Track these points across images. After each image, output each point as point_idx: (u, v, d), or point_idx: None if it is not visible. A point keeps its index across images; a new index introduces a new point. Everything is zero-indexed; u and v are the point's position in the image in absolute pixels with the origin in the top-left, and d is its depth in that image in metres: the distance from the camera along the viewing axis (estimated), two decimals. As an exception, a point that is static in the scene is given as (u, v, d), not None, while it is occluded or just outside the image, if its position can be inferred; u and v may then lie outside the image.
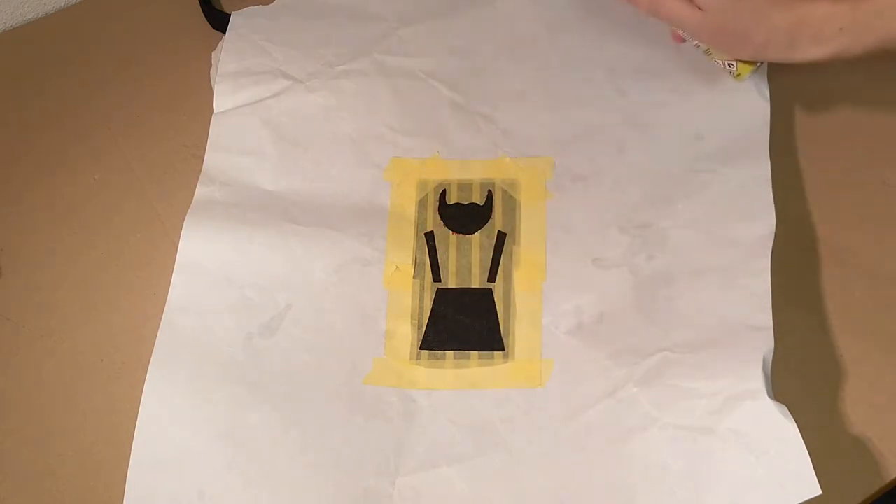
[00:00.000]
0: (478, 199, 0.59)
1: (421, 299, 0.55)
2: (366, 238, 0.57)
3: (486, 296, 0.55)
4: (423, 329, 0.54)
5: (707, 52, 0.57)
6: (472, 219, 0.58)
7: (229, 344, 0.54)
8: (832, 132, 0.61)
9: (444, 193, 0.59)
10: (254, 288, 0.55)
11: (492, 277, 0.56)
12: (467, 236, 0.57)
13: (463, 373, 0.53)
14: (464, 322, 0.55)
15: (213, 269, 0.56)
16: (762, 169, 0.56)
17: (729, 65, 0.57)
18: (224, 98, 0.63)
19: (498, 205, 0.58)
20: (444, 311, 0.55)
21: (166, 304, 0.55)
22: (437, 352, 0.54)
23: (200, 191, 0.59)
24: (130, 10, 0.72)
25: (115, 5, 0.72)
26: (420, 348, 0.54)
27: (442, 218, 0.58)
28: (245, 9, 0.68)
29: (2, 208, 0.62)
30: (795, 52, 0.50)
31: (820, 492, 0.43)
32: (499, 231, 0.57)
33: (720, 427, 0.47)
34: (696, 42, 0.57)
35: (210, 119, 0.63)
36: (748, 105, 0.59)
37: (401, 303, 0.55)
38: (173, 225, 0.59)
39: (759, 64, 0.57)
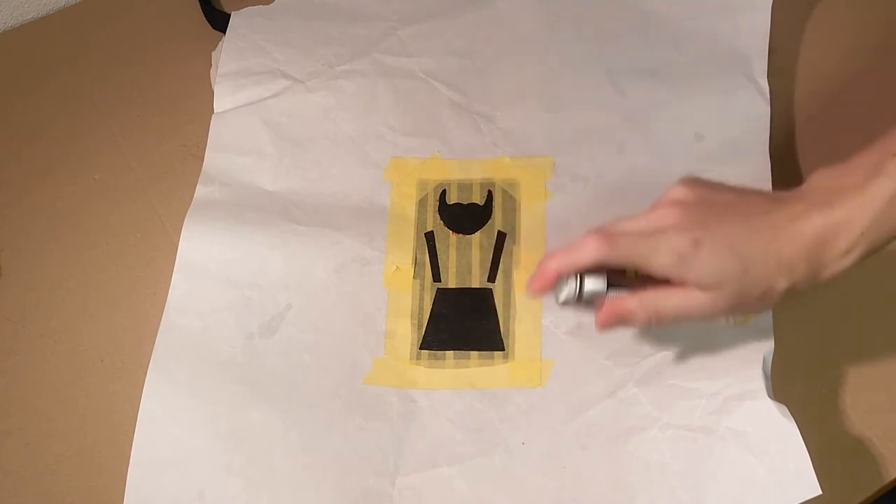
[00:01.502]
0: (478, 199, 0.59)
1: (421, 299, 0.55)
2: (366, 238, 0.57)
3: (486, 296, 0.55)
4: (423, 329, 0.54)
5: (725, 319, 0.50)
6: (472, 219, 0.58)
7: (229, 344, 0.54)
8: (832, 132, 0.61)
9: (444, 193, 0.59)
10: (254, 288, 0.55)
11: (492, 277, 0.56)
12: (467, 236, 0.57)
13: (463, 373, 0.53)
14: (464, 322, 0.55)
15: (213, 269, 0.56)
16: (762, 169, 0.56)
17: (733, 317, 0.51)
18: (224, 98, 0.63)
19: (498, 205, 0.58)
20: (444, 311, 0.55)
21: (166, 304, 0.55)
22: (437, 352, 0.54)
23: (200, 191, 0.59)
24: (130, 10, 0.72)
25: (115, 5, 0.72)
26: (420, 348, 0.54)
27: (442, 218, 0.58)
28: (245, 9, 0.68)
29: (2, 208, 0.62)
30: (823, 277, 0.42)
31: (820, 492, 0.43)
32: (499, 231, 0.57)
33: (720, 427, 0.47)
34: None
35: (210, 119, 0.63)
36: (748, 105, 0.59)
37: (401, 303, 0.55)
38: (173, 225, 0.59)
39: None
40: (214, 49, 0.67)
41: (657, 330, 0.52)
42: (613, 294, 0.45)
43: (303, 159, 0.61)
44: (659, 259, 0.42)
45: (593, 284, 0.44)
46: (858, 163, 0.42)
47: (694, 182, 0.45)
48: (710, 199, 0.43)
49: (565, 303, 0.45)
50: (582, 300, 0.45)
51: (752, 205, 0.43)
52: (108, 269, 0.59)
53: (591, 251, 0.43)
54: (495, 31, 0.65)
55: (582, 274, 0.44)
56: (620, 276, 0.46)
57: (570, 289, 0.44)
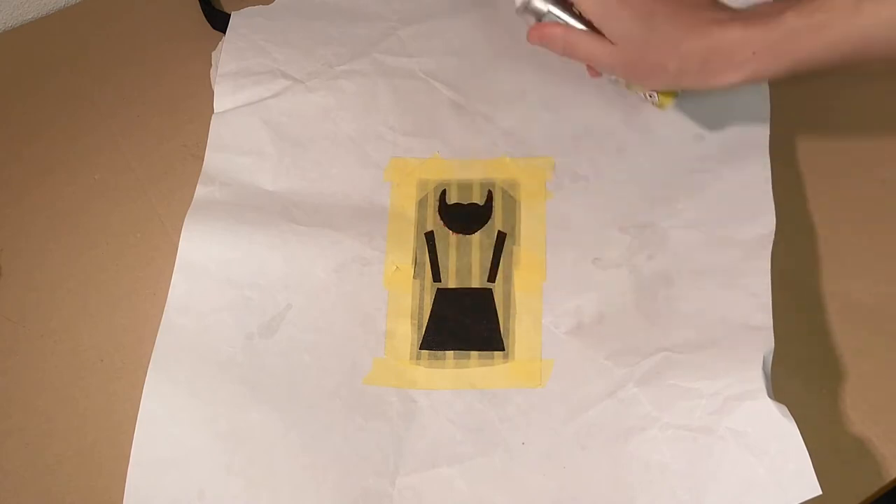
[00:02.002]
0: (478, 199, 0.59)
1: (421, 299, 0.55)
2: (366, 238, 0.57)
3: (486, 296, 0.55)
4: (423, 329, 0.54)
5: (627, 86, 0.57)
6: (472, 219, 0.58)
7: (229, 344, 0.54)
8: (832, 132, 0.61)
9: (444, 193, 0.59)
10: (254, 288, 0.55)
11: (492, 277, 0.56)
12: (467, 236, 0.57)
13: (463, 373, 0.53)
14: (464, 322, 0.55)
15: (213, 269, 0.56)
16: (762, 169, 0.56)
17: (650, 95, 0.56)
18: (224, 98, 0.63)
19: (498, 205, 0.58)
20: (444, 311, 0.55)
21: (166, 304, 0.55)
22: (437, 352, 0.54)
23: (200, 191, 0.59)
24: (130, 10, 0.72)
25: (115, 5, 0.72)
26: (420, 348, 0.54)
27: (442, 218, 0.58)
28: (245, 9, 0.68)
29: (2, 208, 0.62)
30: (710, 78, 0.48)
31: (820, 492, 0.43)
32: (499, 231, 0.57)
33: (720, 427, 0.47)
34: (613, 77, 0.57)
35: (210, 119, 0.63)
36: (748, 105, 0.59)
37: (401, 303, 0.55)
38: (173, 225, 0.59)
39: (679, 92, 0.56)
40: (214, 49, 0.67)
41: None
42: (553, 15, 0.53)
43: (303, 159, 0.61)
44: (588, 2, 0.50)
45: (541, 3, 0.53)
46: (785, 4, 0.47)
47: None
48: None
49: (517, 9, 0.53)
50: (528, 9, 0.53)
51: (700, 4, 0.49)
52: (108, 269, 0.59)
53: None
54: (495, 31, 0.65)
55: None
56: (569, 8, 0.52)
57: None
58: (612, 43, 0.50)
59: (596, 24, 0.51)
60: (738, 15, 0.48)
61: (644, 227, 0.56)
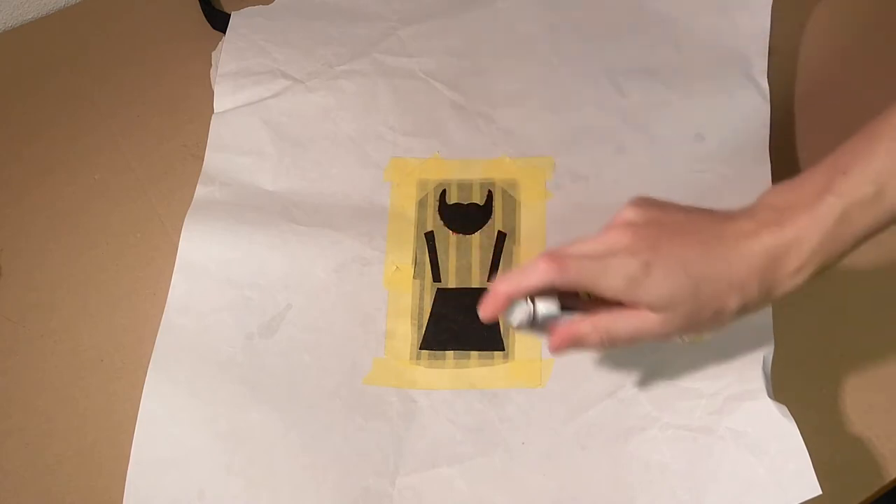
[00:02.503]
0: (478, 199, 0.59)
1: (421, 299, 0.55)
2: (366, 238, 0.57)
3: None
4: (423, 329, 0.54)
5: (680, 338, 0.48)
6: (472, 219, 0.58)
7: (229, 344, 0.54)
8: (832, 132, 0.61)
9: (444, 193, 0.59)
10: (254, 288, 0.55)
11: (492, 277, 0.56)
12: (467, 236, 0.57)
13: (463, 373, 0.53)
14: (464, 322, 0.55)
15: (213, 269, 0.56)
16: (762, 169, 0.56)
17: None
18: (224, 98, 0.63)
19: (498, 205, 0.58)
20: (444, 311, 0.55)
21: (166, 304, 0.55)
22: (437, 352, 0.54)
23: (200, 191, 0.59)
24: (130, 10, 0.72)
25: (115, 5, 0.72)
26: (420, 348, 0.54)
27: (442, 218, 0.58)
28: (245, 9, 0.68)
29: (2, 208, 0.62)
30: (774, 296, 0.42)
31: (820, 492, 0.43)
32: (499, 231, 0.57)
33: (720, 427, 0.47)
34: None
35: (210, 119, 0.63)
36: (748, 105, 0.59)
37: (401, 303, 0.55)
38: (173, 225, 0.59)
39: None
40: (214, 49, 0.67)
41: (614, 353, 0.51)
42: (566, 317, 0.44)
43: (303, 159, 0.61)
44: (609, 282, 0.41)
45: (545, 308, 0.44)
46: (808, 181, 0.42)
47: (644, 202, 0.44)
48: (660, 219, 0.43)
49: (519, 327, 0.44)
50: (535, 324, 0.44)
51: (703, 224, 0.43)
52: (108, 269, 0.59)
53: (540, 274, 0.42)
54: (495, 31, 0.65)
55: (534, 297, 0.44)
56: (574, 299, 0.45)
57: (522, 312, 0.44)
58: (655, 312, 0.42)
59: (628, 302, 0.42)
60: (764, 217, 0.42)
61: (644, 227, 0.56)
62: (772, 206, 0.42)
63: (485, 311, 0.44)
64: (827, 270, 0.42)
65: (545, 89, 0.62)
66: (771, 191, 0.43)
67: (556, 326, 0.44)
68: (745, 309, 0.42)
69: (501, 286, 0.43)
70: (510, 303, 0.44)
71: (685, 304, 0.41)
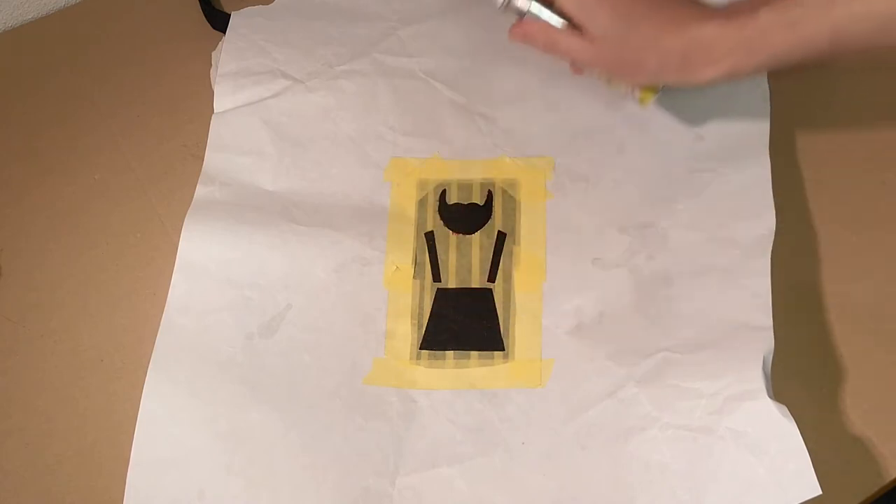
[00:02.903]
0: (478, 199, 0.59)
1: (421, 299, 0.55)
2: (366, 238, 0.57)
3: (486, 296, 0.55)
4: (423, 329, 0.54)
5: (608, 82, 0.57)
6: (472, 219, 0.58)
7: (229, 344, 0.54)
8: (832, 132, 0.61)
9: (444, 193, 0.59)
10: (254, 288, 0.55)
11: (492, 277, 0.56)
12: (467, 236, 0.57)
13: (463, 373, 0.53)
14: (464, 322, 0.55)
15: (213, 269, 0.56)
16: (762, 169, 0.56)
17: (632, 91, 0.56)
18: (224, 98, 0.63)
19: (498, 205, 0.58)
20: (444, 311, 0.55)
21: (166, 304, 0.55)
22: (437, 352, 0.54)
23: (200, 191, 0.59)
24: (130, 10, 0.72)
25: (115, 5, 0.72)
26: (420, 348, 0.54)
27: (442, 218, 0.58)
28: (245, 9, 0.68)
29: (2, 208, 0.62)
30: (689, 74, 0.49)
31: (820, 492, 0.43)
32: (499, 231, 0.57)
33: (720, 427, 0.47)
34: (595, 74, 0.57)
35: (210, 119, 0.63)
36: (748, 105, 0.59)
37: (401, 303, 0.55)
38: (173, 225, 0.59)
39: (660, 88, 0.56)
40: (214, 49, 0.67)
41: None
42: (534, 14, 0.53)
43: (303, 159, 0.61)
44: None
45: None
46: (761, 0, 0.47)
47: None
48: None
49: (499, 8, 0.53)
50: (509, 9, 0.53)
51: (678, 2, 0.50)
52: (108, 269, 0.59)
53: None
54: (495, 31, 0.65)
55: None
56: (549, 4, 0.53)
57: None
58: (592, 40, 0.51)
59: (575, 22, 0.51)
60: (715, 13, 0.49)
61: (644, 227, 0.56)
62: (730, 9, 0.48)
63: None
64: (735, 78, 0.48)
65: (545, 89, 0.62)
66: (727, 6, 0.49)
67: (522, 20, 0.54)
68: (658, 72, 0.50)
69: None
70: None
71: (613, 41, 0.50)
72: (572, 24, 0.52)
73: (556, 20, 0.53)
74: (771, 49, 0.47)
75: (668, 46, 0.49)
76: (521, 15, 0.54)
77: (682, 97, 0.60)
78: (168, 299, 0.55)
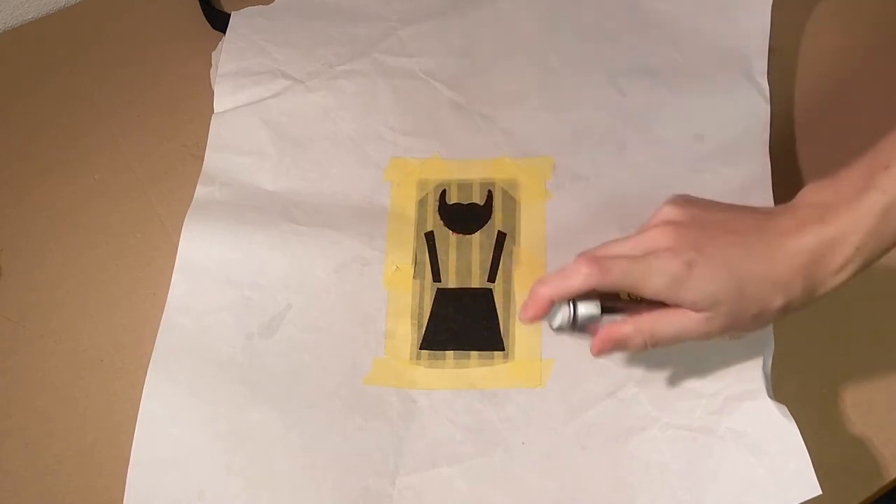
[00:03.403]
0: (478, 199, 0.59)
1: (421, 299, 0.55)
2: (366, 238, 0.57)
3: (486, 296, 0.55)
4: (424, 329, 0.54)
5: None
6: (472, 219, 0.58)
7: (229, 344, 0.54)
8: (832, 132, 0.61)
9: (444, 193, 0.59)
10: (254, 288, 0.55)
11: (492, 277, 0.56)
12: (467, 236, 0.57)
13: (463, 373, 0.53)
14: (464, 322, 0.55)
15: (213, 269, 0.56)
16: (762, 169, 0.56)
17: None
18: (224, 98, 0.63)
19: (498, 205, 0.58)
20: (444, 311, 0.55)
21: (166, 304, 0.55)
22: (437, 352, 0.54)
23: (200, 191, 0.59)
24: (130, 10, 0.72)
25: (115, 5, 0.72)
26: (420, 348, 0.54)
27: (442, 218, 0.58)
28: (245, 9, 0.68)
29: (2, 208, 0.62)
30: (818, 294, 0.42)
31: (820, 492, 0.43)
32: (499, 231, 0.57)
33: (720, 427, 0.47)
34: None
35: (210, 119, 0.63)
36: (748, 105, 0.59)
37: (401, 303, 0.55)
38: (173, 225, 0.59)
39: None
40: (214, 49, 0.67)
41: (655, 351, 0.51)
42: (608, 318, 0.44)
43: (303, 159, 0.61)
44: (652, 283, 0.41)
45: (587, 309, 0.43)
46: (849, 177, 0.41)
47: (685, 200, 0.44)
48: (701, 218, 0.43)
49: (559, 329, 0.44)
50: (577, 327, 0.44)
51: (744, 223, 0.43)
52: (108, 269, 0.59)
53: (582, 278, 0.42)
54: (495, 31, 0.65)
55: (574, 300, 0.44)
56: (614, 299, 0.45)
57: (563, 315, 0.44)
58: (698, 312, 0.42)
59: (672, 303, 0.42)
60: (805, 215, 0.42)
61: (644, 227, 0.56)
62: (813, 203, 0.42)
63: (525, 313, 0.44)
64: (869, 267, 0.42)
65: (545, 89, 0.62)
66: (811, 188, 0.43)
67: (597, 327, 0.44)
68: (788, 307, 0.42)
69: (543, 289, 0.43)
70: (551, 306, 0.43)
71: (728, 303, 0.41)
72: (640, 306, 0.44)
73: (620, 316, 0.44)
74: None
75: (785, 279, 0.41)
76: (592, 323, 0.44)
77: (682, 97, 0.60)
78: (168, 299, 0.55)
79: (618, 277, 0.42)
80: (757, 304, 0.41)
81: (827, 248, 0.41)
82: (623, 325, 0.43)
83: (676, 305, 0.42)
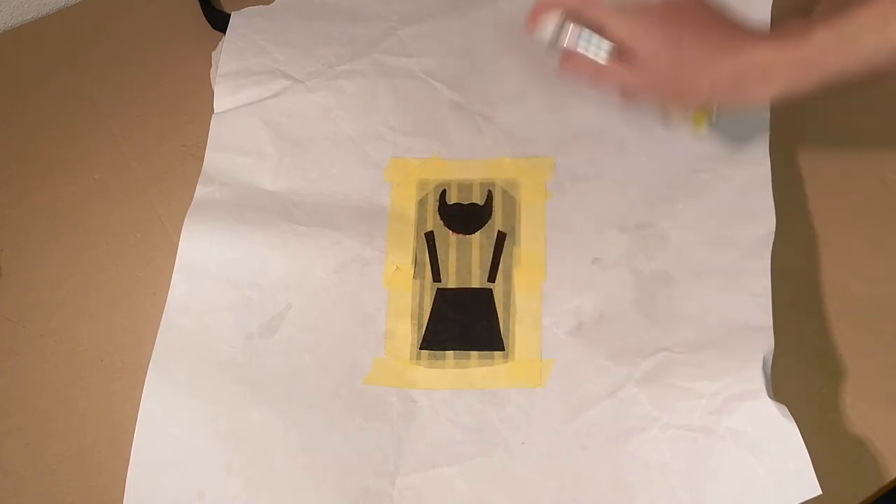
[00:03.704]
0: (478, 199, 0.59)
1: (421, 299, 0.55)
2: (366, 238, 0.57)
3: (486, 296, 0.55)
4: (423, 329, 0.54)
5: (662, 110, 0.58)
6: (472, 219, 0.58)
7: (229, 344, 0.54)
8: (832, 132, 0.61)
9: (444, 193, 0.59)
10: (254, 288, 0.55)
11: (492, 277, 0.56)
12: (467, 236, 0.57)
13: (463, 373, 0.53)
14: (464, 322, 0.55)
15: (213, 269, 0.56)
16: (762, 169, 0.56)
17: (686, 118, 0.57)
18: (224, 98, 0.63)
19: (498, 205, 0.58)
20: (444, 311, 0.55)
21: (166, 304, 0.55)
22: (437, 352, 0.54)
23: (200, 191, 0.59)
24: (130, 10, 0.72)
25: (115, 5, 0.72)
26: (420, 348, 0.54)
27: (442, 218, 0.58)
28: (245, 9, 0.68)
29: (2, 208, 0.62)
30: (743, 95, 0.49)
31: (820, 492, 0.43)
32: (499, 231, 0.57)
33: (720, 427, 0.47)
34: (648, 101, 0.58)
35: (210, 119, 0.63)
36: (748, 105, 0.59)
37: (401, 303, 0.55)
38: (173, 225, 0.59)
39: (713, 115, 0.57)
40: (214, 49, 0.67)
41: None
42: (583, 51, 0.53)
43: (303, 159, 0.61)
44: (616, 24, 0.52)
45: (573, 31, 0.54)
46: (796, 25, 0.48)
47: None
48: (689, 8, 0.51)
49: (549, 44, 0.54)
50: (557, 42, 0.54)
51: (718, 23, 0.51)
52: (108, 269, 0.59)
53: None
54: (495, 31, 0.65)
55: (570, 24, 0.54)
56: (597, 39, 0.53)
57: (552, 31, 0.54)
58: (643, 67, 0.51)
59: (625, 48, 0.52)
60: (766, 34, 0.50)
61: (644, 227, 0.56)
62: (782, 29, 0.49)
63: (529, 17, 0.55)
64: (791, 96, 0.49)
65: (545, 89, 0.62)
66: (775, 27, 0.52)
67: (572, 54, 0.54)
68: (712, 93, 0.50)
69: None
70: (544, 19, 0.54)
71: (665, 64, 0.51)
72: (620, 55, 0.53)
73: (602, 55, 0.53)
74: (827, 68, 0.47)
75: (720, 68, 0.49)
76: (570, 48, 0.54)
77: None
78: (168, 299, 0.55)
79: (600, 12, 0.52)
80: (688, 74, 0.50)
81: (764, 62, 0.48)
82: (584, 57, 0.54)
83: (630, 55, 0.52)
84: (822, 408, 0.52)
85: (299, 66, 0.65)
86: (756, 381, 0.47)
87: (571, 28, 0.54)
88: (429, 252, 0.57)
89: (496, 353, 0.54)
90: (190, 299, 0.55)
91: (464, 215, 0.58)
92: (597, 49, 0.53)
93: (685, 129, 0.59)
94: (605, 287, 0.54)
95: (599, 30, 0.53)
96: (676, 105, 0.57)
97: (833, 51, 0.47)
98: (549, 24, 0.54)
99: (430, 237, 0.57)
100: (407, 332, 0.54)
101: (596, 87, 0.55)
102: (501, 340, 0.54)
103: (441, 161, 0.60)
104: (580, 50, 0.54)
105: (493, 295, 0.55)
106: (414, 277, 0.56)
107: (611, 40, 0.53)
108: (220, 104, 0.63)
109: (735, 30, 0.51)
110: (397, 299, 0.55)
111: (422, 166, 0.60)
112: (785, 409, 0.46)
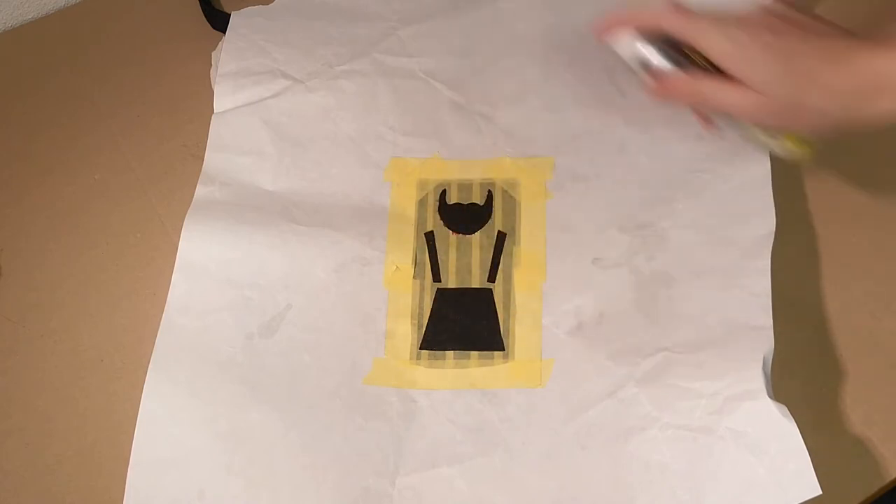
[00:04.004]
0: (478, 199, 0.59)
1: (421, 299, 0.55)
2: (366, 238, 0.57)
3: (486, 296, 0.55)
4: (423, 329, 0.54)
5: (761, 135, 0.53)
6: (472, 219, 0.58)
7: (229, 344, 0.54)
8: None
9: (444, 193, 0.59)
10: (254, 288, 0.55)
11: (492, 277, 0.56)
12: (467, 236, 0.57)
13: (463, 373, 0.53)
14: (464, 322, 0.55)
15: (213, 269, 0.56)
16: (762, 169, 0.56)
17: (785, 145, 0.53)
18: (224, 98, 0.63)
19: (498, 205, 0.58)
20: (444, 311, 0.55)
21: (166, 304, 0.55)
22: (437, 352, 0.54)
23: (200, 191, 0.59)
24: (130, 10, 0.72)
25: (115, 5, 0.72)
26: (420, 348, 0.54)
27: (442, 218, 0.58)
28: (245, 9, 0.68)
29: (2, 208, 0.62)
30: (863, 110, 0.44)
31: (820, 492, 0.43)
32: (499, 231, 0.57)
33: (720, 427, 0.47)
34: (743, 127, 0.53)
35: (210, 119, 0.63)
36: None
37: (401, 303, 0.55)
38: (173, 225, 0.59)
39: (816, 141, 0.53)
40: (214, 49, 0.67)
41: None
42: (670, 66, 0.48)
43: (303, 159, 0.61)
44: (717, 41, 0.45)
45: (654, 51, 0.48)
46: None
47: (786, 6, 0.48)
48: (794, 17, 0.47)
49: (630, 59, 0.48)
50: (636, 58, 0.48)
51: (828, 34, 0.46)
52: (108, 269, 0.59)
53: (661, 11, 0.47)
54: (495, 31, 0.65)
55: (649, 40, 0.48)
56: (685, 57, 0.48)
57: (633, 48, 0.48)
58: (754, 90, 0.46)
59: (732, 73, 0.46)
60: (876, 42, 0.45)
61: (644, 227, 0.56)
62: (881, 34, 0.44)
63: (597, 28, 0.50)
64: None
65: (545, 89, 0.62)
66: (870, 33, 0.46)
67: (658, 74, 0.48)
68: (823, 115, 0.45)
69: (619, 13, 0.49)
70: (618, 28, 0.48)
71: (785, 89, 0.45)
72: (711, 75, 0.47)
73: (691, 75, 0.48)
74: None
75: (844, 86, 0.44)
76: (653, 66, 0.49)
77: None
78: (168, 299, 0.55)
79: (688, 24, 0.46)
80: (813, 98, 0.45)
81: (887, 71, 0.43)
82: (682, 80, 0.48)
83: (733, 79, 0.46)
84: (822, 408, 0.52)
85: (299, 66, 0.65)
86: (756, 381, 0.47)
87: (656, 46, 0.48)
88: (429, 252, 0.57)
89: (496, 353, 0.54)
90: (190, 299, 0.55)
91: (464, 215, 0.58)
92: (685, 68, 0.48)
93: (788, 156, 0.54)
94: (605, 287, 0.54)
95: (685, 45, 0.48)
96: (787, 129, 0.50)
97: None
98: (628, 41, 0.49)
99: (430, 237, 0.57)
100: (407, 332, 0.54)
101: (696, 107, 0.48)
102: (501, 340, 0.54)
103: (441, 161, 0.60)
104: (671, 69, 0.48)
105: (493, 295, 0.55)
106: (414, 277, 0.56)
107: (706, 57, 0.47)
108: (220, 104, 0.63)
109: (844, 39, 0.45)
110: (397, 299, 0.55)
111: (422, 166, 0.60)
112: (785, 409, 0.46)
